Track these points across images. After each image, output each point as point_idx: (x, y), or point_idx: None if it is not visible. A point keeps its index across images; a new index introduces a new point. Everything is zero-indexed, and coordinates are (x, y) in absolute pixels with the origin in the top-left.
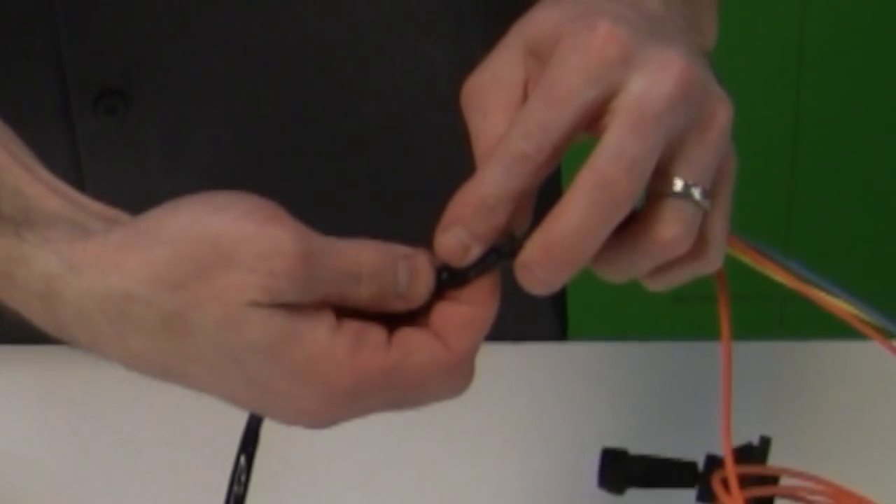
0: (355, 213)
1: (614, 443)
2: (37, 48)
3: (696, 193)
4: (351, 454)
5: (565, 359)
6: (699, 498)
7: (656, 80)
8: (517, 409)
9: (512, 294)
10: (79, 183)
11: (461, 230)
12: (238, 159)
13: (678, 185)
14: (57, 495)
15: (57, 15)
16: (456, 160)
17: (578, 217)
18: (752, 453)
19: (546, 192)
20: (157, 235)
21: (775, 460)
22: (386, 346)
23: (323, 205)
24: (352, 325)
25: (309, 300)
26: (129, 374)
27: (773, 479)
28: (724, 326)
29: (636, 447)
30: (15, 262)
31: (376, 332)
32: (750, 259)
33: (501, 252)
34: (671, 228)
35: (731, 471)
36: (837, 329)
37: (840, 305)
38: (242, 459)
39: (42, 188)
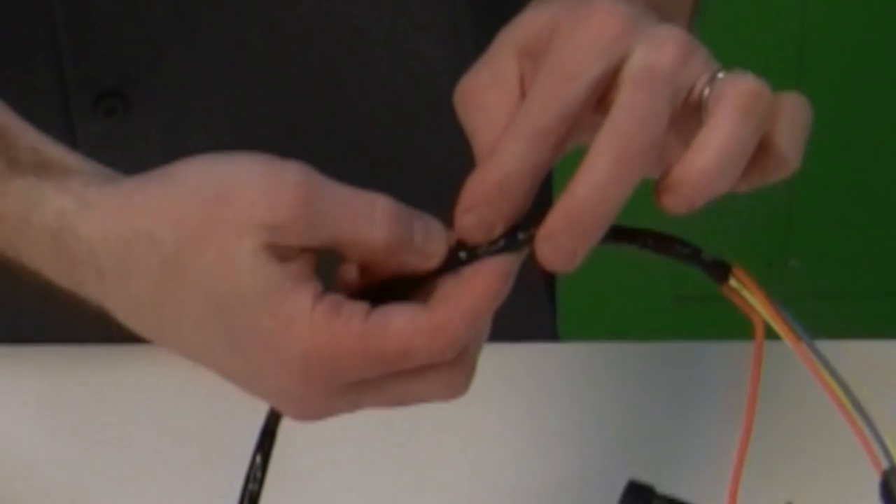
0: None
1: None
2: (37, 48)
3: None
4: (351, 454)
5: (565, 359)
6: None
7: (660, 44)
8: (515, 410)
9: (510, 294)
10: None
11: (485, 208)
12: None
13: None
14: (57, 495)
15: (57, 15)
16: (456, 160)
17: (599, 174)
18: None
19: (539, 195)
20: (168, 178)
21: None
22: (366, 314)
23: None
24: (334, 296)
25: (315, 240)
26: (131, 373)
27: None
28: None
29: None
30: (33, 200)
31: (358, 305)
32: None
33: (524, 227)
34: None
35: None
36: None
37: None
38: (258, 458)
39: (59, 149)
